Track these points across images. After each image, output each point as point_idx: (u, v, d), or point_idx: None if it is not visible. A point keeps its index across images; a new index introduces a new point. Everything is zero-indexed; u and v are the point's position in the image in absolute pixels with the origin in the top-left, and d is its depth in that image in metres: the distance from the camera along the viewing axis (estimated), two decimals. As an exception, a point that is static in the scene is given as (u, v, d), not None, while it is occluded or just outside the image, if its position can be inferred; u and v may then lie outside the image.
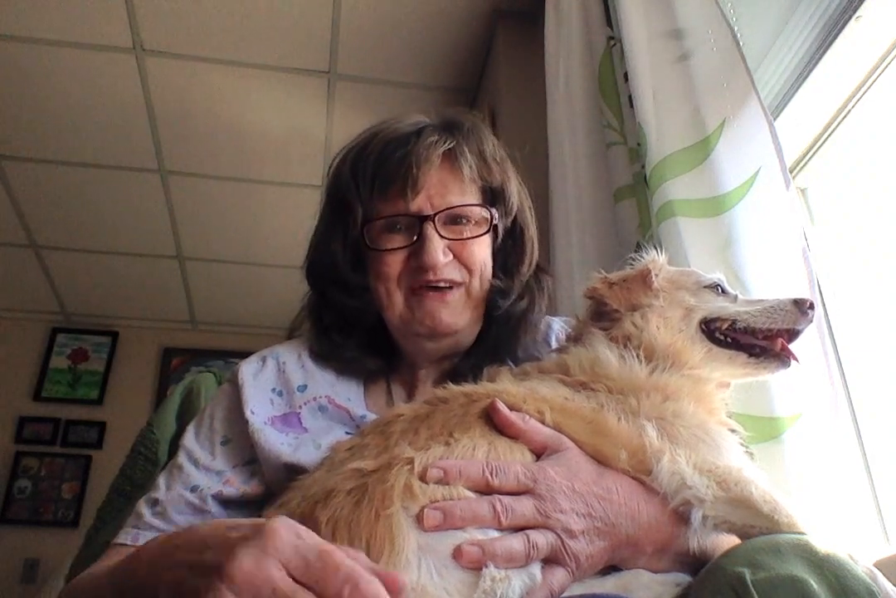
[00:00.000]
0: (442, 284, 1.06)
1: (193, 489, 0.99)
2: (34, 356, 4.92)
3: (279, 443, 0.99)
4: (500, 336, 1.11)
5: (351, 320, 1.12)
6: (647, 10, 1.61)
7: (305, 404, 1.06)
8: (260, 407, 1.04)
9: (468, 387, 0.90)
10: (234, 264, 4.42)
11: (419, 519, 0.70)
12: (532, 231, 1.18)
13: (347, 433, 1.00)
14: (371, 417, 1.03)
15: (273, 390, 1.08)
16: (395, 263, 1.07)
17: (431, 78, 3.04)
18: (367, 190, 1.07)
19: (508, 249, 1.15)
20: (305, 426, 1.03)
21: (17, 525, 4.40)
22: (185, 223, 4.02)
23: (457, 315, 1.06)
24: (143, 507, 0.99)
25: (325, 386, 1.09)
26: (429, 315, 1.05)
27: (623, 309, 0.98)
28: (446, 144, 1.08)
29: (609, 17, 1.73)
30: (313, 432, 1.02)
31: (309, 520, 0.70)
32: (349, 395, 1.09)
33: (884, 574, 0.68)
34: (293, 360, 1.12)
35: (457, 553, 0.68)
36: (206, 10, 2.72)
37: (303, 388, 1.08)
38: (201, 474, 1.01)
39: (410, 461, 0.75)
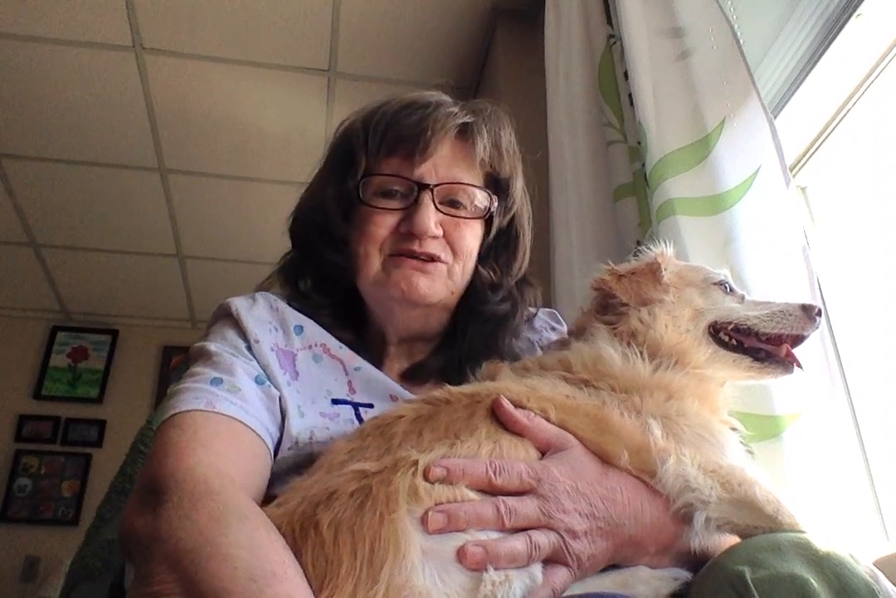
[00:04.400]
0: (424, 258, 1.02)
1: (259, 381, 0.90)
2: (34, 355, 4.91)
3: (281, 380, 0.92)
4: (476, 339, 1.08)
5: (328, 278, 1.08)
6: (647, 8, 1.60)
7: (302, 349, 0.99)
8: (263, 335, 0.96)
9: (469, 387, 0.89)
10: (233, 263, 4.41)
11: (423, 522, 0.69)
12: (527, 239, 1.15)
13: (334, 402, 0.96)
14: (366, 367, 1.00)
15: (270, 323, 1.00)
16: (383, 224, 1.03)
17: (431, 76, 3.03)
18: (376, 144, 1.05)
19: (500, 248, 1.12)
20: (297, 370, 0.97)
21: (18, 524, 4.39)
22: (184, 221, 4.01)
23: (434, 287, 1.02)
24: (200, 384, 0.86)
25: (319, 333, 1.02)
26: (405, 279, 1.01)
27: (633, 303, 0.96)
28: (465, 117, 1.06)
29: (609, 15, 1.73)
30: (303, 382, 0.96)
31: (309, 522, 0.70)
32: (341, 344, 1.02)
33: (884, 574, 0.68)
34: (282, 302, 1.04)
35: (461, 554, 0.68)
36: (205, 8, 2.71)
37: (299, 329, 1.01)
38: (251, 367, 0.91)
39: (415, 464, 0.74)
